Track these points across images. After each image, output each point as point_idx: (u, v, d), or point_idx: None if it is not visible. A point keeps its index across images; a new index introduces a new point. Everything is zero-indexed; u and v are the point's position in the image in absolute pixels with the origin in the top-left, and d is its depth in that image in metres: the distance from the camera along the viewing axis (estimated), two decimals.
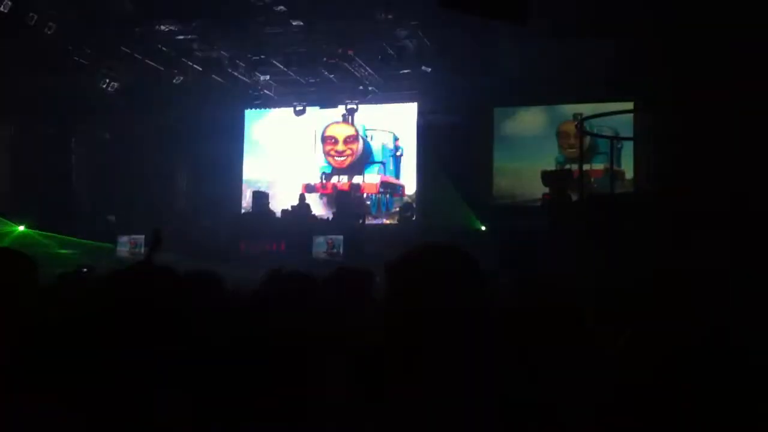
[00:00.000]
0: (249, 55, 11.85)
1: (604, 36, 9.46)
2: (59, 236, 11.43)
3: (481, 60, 10.94)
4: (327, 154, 13.99)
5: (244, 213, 13.62)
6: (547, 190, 9.58)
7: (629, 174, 10.85)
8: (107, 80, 12.00)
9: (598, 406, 1.66)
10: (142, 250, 11.84)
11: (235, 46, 11.61)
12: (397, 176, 13.64)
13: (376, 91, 13.01)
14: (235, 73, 12.49)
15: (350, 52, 11.58)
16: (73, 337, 1.70)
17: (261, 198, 13.02)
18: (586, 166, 8.57)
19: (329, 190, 13.87)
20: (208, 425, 1.64)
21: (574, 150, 12.30)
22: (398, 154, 13.54)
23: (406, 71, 12.20)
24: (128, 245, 11.96)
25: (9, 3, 9.36)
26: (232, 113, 14.14)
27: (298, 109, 13.78)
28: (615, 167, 8.99)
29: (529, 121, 12.78)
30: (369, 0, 9.90)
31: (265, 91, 13.37)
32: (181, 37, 11.20)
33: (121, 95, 12.38)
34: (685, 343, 1.85)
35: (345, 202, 13.20)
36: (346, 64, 11.90)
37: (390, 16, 10.29)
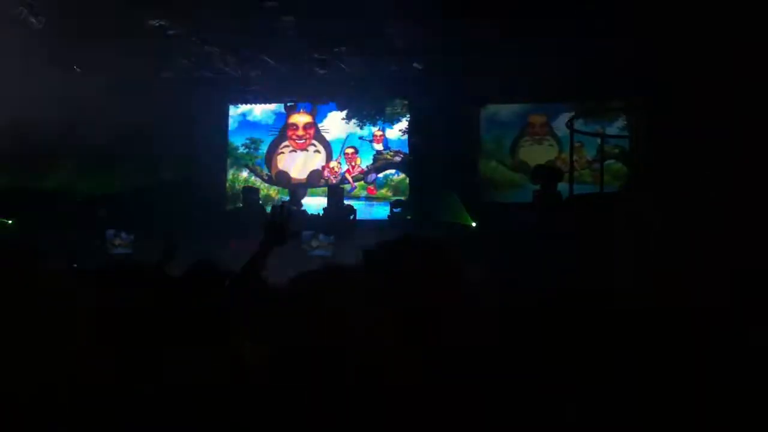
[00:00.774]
0: (239, 51, 11.81)
1: (600, 35, 9.48)
2: None
3: (473, 57, 10.94)
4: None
5: (234, 209, 13.57)
6: (537, 186, 9.61)
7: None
8: (95, 74, 11.93)
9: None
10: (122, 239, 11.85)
11: (225, 42, 11.57)
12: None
13: (367, 87, 12.99)
14: (226, 69, 12.44)
15: (342, 48, 11.55)
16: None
17: (251, 193, 12.98)
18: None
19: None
20: None
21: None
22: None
23: (397, 68, 12.19)
24: (116, 239, 11.95)
25: None
26: (218, 108, 14.12)
27: (288, 105, 13.77)
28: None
29: (519, 119, 12.79)
30: None
31: (255, 86, 13.33)
32: (171, 32, 11.15)
33: (109, 89, 12.30)
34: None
35: (336, 197, 13.19)
36: (337, 60, 11.88)
37: (381, 12, 10.27)
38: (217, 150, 14.00)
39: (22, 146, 11.49)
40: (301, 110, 13.82)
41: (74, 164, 12.70)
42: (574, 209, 7.71)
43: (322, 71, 12.11)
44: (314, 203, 13.31)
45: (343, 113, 13.61)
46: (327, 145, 13.84)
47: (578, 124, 8.79)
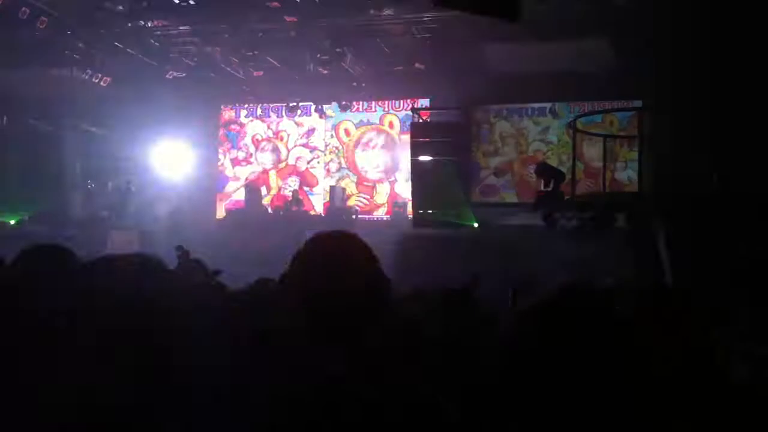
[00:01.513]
0: (242, 51, 11.82)
1: (600, 36, 9.49)
2: None
3: (474, 58, 10.94)
4: None
5: (236, 208, 13.59)
6: (540, 187, 9.62)
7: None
8: (100, 75, 11.96)
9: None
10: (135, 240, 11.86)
11: (228, 42, 11.58)
12: None
13: (369, 87, 13.01)
14: (228, 69, 12.47)
15: (344, 49, 11.56)
16: None
17: (253, 193, 13.00)
18: None
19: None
20: None
21: None
22: None
23: (399, 68, 12.20)
24: (119, 240, 11.96)
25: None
26: (220, 107, 14.19)
27: (290, 105, 13.80)
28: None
29: (520, 120, 12.79)
30: None
31: (258, 86, 13.35)
32: (174, 32, 11.17)
33: (114, 90, 12.34)
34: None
35: (338, 196, 13.24)
36: (339, 61, 11.88)
37: (384, 14, 10.29)
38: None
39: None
40: None
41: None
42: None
43: (324, 71, 12.13)
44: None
45: None
46: None
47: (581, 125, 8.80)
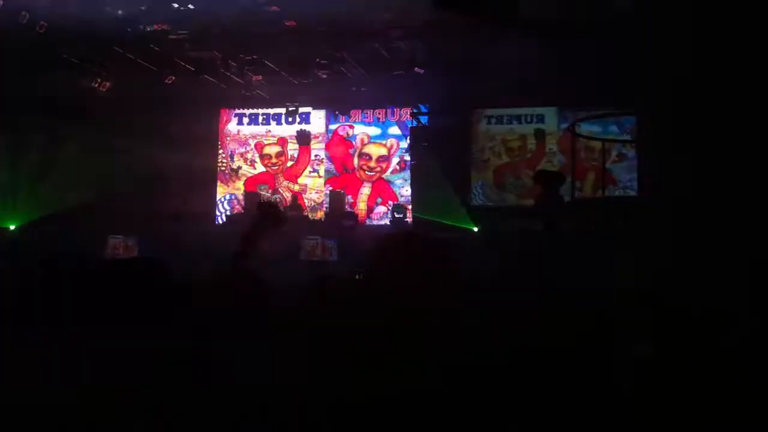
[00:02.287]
0: (241, 56, 11.83)
1: (600, 39, 9.49)
2: None
3: (475, 62, 10.95)
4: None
5: (235, 214, 13.59)
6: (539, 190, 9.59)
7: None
8: (99, 80, 11.98)
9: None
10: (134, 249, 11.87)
11: (227, 47, 11.59)
12: None
13: (369, 92, 13.03)
14: (228, 74, 12.47)
15: (343, 54, 11.58)
16: None
17: (254, 199, 13.00)
18: None
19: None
20: None
21: None
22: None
23: (399, 73, 12.21)
24: (118, 246, 11.96)
25: (1, 1, 9.32)
26: (219, 112, 14.21)
27: (290, 109, 13.81)
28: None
29: (520, 124, 12.78)
30: (362, 2, 9.89)
31: (258, 91, 13.36)
32: (173, 37, 11.18)
33: (113, 95, 12.35)
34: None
35: (338, 203, 13.24)
36: (338, 65, 11.90)
37: (383, 18, 10.30)
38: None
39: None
40: None
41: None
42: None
43: (324, 76, 12.15)
44: None
45: None
46: None
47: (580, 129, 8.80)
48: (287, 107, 13.76)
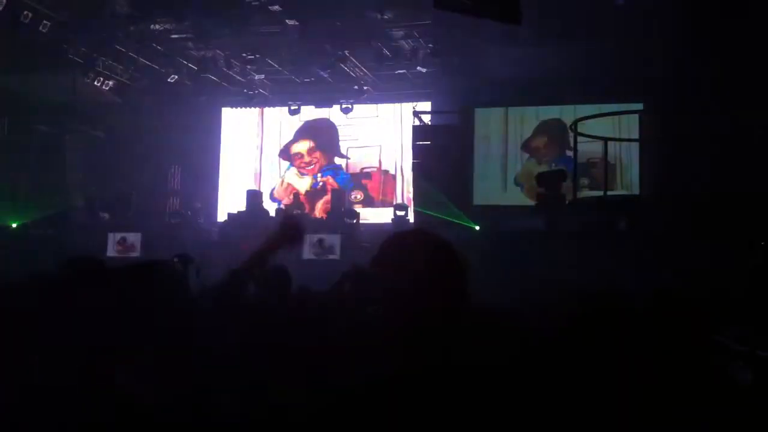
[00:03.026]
0: (244, 54, 11.85)
1: (601, 38, 9.50)
2: None
3: (477, 61, 10.96)
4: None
5: (237, 212, 13.59)
6: (542, 190, 9.59)
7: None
8: (102, 78, 12.00)
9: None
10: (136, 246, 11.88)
11: (230, 45, 11.62)
12: None
13: (371, 90, 13.05)
14: (230, 72, 12.50)
15: (345, 52, 11.60)
16: None
17: (255, 197, 13.01)
18: None
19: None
20: None
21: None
22: None
23: (401, 71, 12.23)
24: (118, 243, 11.97)
25: (4, 1, 9.34)
26: (221, 111, 14.24)
27: (292, 108, 13.84)
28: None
29: (524, 122, 12.77)
30: (364, 0, 9.92)
31: (260, 90, 13.39)
32: (176, 36, 11.20)
33: (116, 93, 12.37)
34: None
35: (339, 201, 13.25)
36: (341, 64, 11.92)
37: (385, 17, 10.31)
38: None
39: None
40: None
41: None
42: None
43: (326, 74, 12.17)
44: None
45: None
46: None
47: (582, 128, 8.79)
48: (289, 106, 13.79)
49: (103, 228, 12.23)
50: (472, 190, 12.50)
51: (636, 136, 8.23)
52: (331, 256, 11.10)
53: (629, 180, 11.23)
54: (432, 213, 11.77)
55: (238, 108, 14.33)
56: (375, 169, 13.80)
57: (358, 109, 13.63)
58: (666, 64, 6.27)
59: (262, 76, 12.84)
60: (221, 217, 13.69)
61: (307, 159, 14.18)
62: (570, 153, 9.70)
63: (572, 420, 1.68)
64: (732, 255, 4.65)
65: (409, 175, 13.21)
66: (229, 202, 14.01)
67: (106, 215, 12.69)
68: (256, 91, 13.36)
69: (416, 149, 12.65)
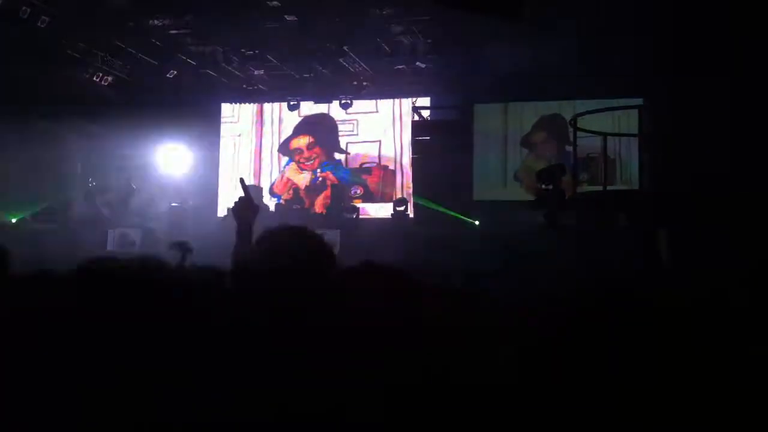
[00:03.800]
0: (243, 50, 11.84)
1: (600, 33, 9.49)
2: None
3: (476, 56, 10.95)
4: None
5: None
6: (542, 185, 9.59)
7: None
8: (100, 74, 11.99)
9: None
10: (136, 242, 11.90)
11: (228, 41, 11.60)
12: None
13: (370, 86, 13.04)
14: (229, 68, 12.48)
15: (344, 48, 11.58)
16: None
17: (255, 192, 13.01)
18: None
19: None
20: None
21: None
22: None
23: (400, 67, 12.22)
24: (118, 238, 11.99)
25: None
26: (220, 106, 14.21)
27: (291, 103, 13.83)
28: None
29: (523, 118, 12.76)
30: None
31: (259, 85, 13.37)
32: (175, 31, 11.18)
33: (115, 89, 12.36)
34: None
35: (339, 196, 13.27)
36: (340, 59, 11.91)
37: (385, 12, 10.30)
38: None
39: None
40: None
41: None
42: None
43: (325, 70, 12.16)
44: None
45: None
46: None
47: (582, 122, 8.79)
48: (288, 101, 13.78)
49: (103, 223, 12.27)
50: (472, 185, 12.50)
51: (635, 131, 8.25)
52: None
53: (629, 175, 11.25)
54: (432, 207, 11.80)
55: (238, 104, 14.30)
56: (375, 164, 13.78)
57: (358, 104, 13.61)
58: (665, 59, 6.27)
59: (261, 72, 12.83)
60: (221, 212, 13.71)
61: (306, 154, 14.17)
62: (570, 148, 9.68)
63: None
64: (733, 251, 4.65)
65: (408, 171, 13.21)
66: (230, 198, 14.01)
67: (106, 210, 12.72)
68: (255, 87, 13.35)
69: (415, 144, 12.66)
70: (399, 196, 13.27)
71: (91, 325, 1.70)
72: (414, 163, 12.78)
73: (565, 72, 10.73)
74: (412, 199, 12.78)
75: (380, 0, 9.98)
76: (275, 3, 9.98)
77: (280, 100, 13.93)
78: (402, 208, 12.64)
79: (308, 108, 14.10)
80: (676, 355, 1.81)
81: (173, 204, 12.98)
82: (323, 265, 1.82)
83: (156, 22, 10.79)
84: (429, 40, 11.16)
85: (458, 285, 4.49)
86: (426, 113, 13.14)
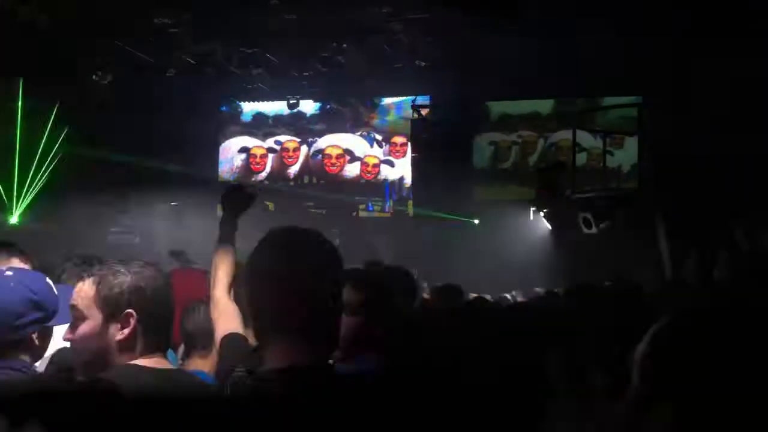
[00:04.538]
0: (242, 49, 11.82)
1: (600, 32, 9.49)
2: None
3: (475, 55, 10.94)
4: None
5: None
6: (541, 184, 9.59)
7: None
8: (99, 72, 11.96)
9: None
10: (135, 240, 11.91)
11: (228, 40, 11.58)
12: None
13: (370, 85, 13.01)
14: (229, 67, 12.45)
15: (343, 46, 11.57)
16: None
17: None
18: None
19: None
20: None
21: None
22: None
23: (399, 65, 12.19)
24: (119, 236, 12.01)
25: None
26: (219, 105, 14.20)
27: (291, 102, 13.80)
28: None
29: (521, 117, 12.76)
30: None
31: (259, 84, 13.34)
32: (174, 30, 11.16)
33: (114, 87, 12.33)
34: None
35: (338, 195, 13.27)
36: (339, 58, 11.89)
37: (384, 11, 10.29)
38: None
39: None
40: None
41: None
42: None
43: (324, 69, 12.13)
44: None
45: None
46: None
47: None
48: (288, 100, 13.75)
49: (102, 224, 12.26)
50: (472, 184, 12.49)
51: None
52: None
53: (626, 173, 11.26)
54: (430, 210, 11.80)
55: (238, 102, 14.27)
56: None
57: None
58: (665, 57, 6.26)
59: (260, 70, 12.81)
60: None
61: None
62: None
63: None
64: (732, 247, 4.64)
65: (408, 169, 13.20)
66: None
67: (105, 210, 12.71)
68: (255, 85, 13.33)
69: (415, 143, 12.65)
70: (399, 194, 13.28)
71: None
72: (414, 161, 12.77)
73: (565, 69, 10.73)
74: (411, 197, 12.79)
75: None
76: (275, 1, 9.97)
77: (279, 98, 13.91)
78: (402, 207, 12.64)
79: (307, 106, 14.07)
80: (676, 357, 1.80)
81: (173, 203, 12.97)
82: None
83: (155, 20, 10.78)
84: (429, 39, 11.14)
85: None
86: (425, 111, 13.11)
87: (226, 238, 2.57)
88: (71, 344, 1.92)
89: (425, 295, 5.23)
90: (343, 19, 10.56)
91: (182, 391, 1.90)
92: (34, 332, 2.08)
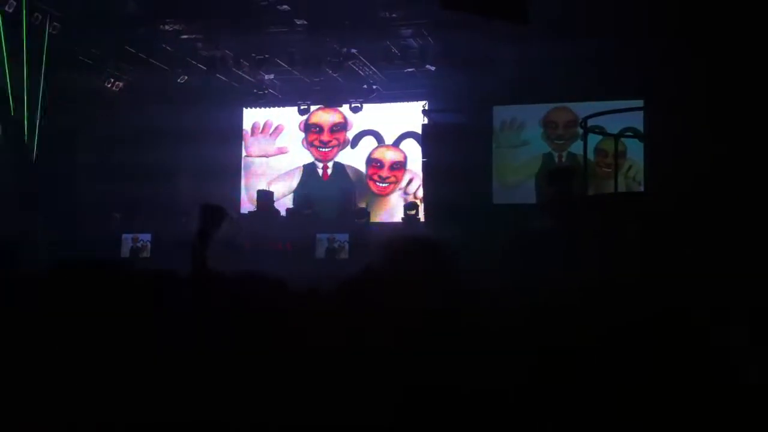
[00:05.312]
0: (253, 55, 11.89)
1: (609, 35, 9.46)
2: None
3: (485, 58, 10.93)
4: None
5: (248, 212, 13.62)
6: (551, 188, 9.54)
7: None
8: (112, 79, 12.07)
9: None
10: (147, 245, 11.95)
11: (239, 46, 11.66)
12: None
13: (381, 90, 13.04)
14: (240, 73, 12.53)
15: (354, 51, 11.62)
16: None
17: (265, 197, 13.05)
18: None
19: None
20: None
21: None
22: None
23: (410, 70, 12.22)
24: (131, 243, 12.03)
25: (13, 3, 9.41)
26: (231, 112, 14.21)
27: (302, 108, 13.84)
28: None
29: (530, 121, 12.71)
30: None
31: (270, 90, 13.42)
32: (186, 36, 11.24)
33: (126, 94, 12.42)
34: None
35: (349, 200, 13.27)
36: (350, 63, 11.94)
37: (394, 15, 10.33)
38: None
39: None
40: None
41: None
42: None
43: (335, 74, 12.18)
44: None
45: None
46: None
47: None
48: (299, 105, 13.80)
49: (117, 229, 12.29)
50: (491, 189, 12.41)
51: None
52: (342, 256, 11.13)
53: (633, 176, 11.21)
54: (443, 213, 11.75)
55: (255, 108, 14.28)
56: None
57: (368, 108, 13.60)
58: (670, 60, 6.23)
59: (272, 76, 12.88)
60: (243, 209, 13.80)
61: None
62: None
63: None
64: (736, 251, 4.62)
65: (419, 174, 13.18)
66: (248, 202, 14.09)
67: (118, 216, 12.76)
68: (266, 91, 13.39)
69: (426, 148, 12.64)
70: (410, 200, 13.26)
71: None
72: (424, 166, 12.75)
73: (575, 73, 10.71)
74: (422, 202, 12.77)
75: (389, 3, 10.00)
76: (285, 7, 10.04)
77: (290, 104, 13.95)
78: (413, 212, 12.61)
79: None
80: (677, 358, 1.80)
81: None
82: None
83: (167, 27, 10.87)
84: (438, 43, 11.17)
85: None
86: (437, 116, 13.10)
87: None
88: None
89: None
90: (352, 24, 10.60)
91: None
92: None
